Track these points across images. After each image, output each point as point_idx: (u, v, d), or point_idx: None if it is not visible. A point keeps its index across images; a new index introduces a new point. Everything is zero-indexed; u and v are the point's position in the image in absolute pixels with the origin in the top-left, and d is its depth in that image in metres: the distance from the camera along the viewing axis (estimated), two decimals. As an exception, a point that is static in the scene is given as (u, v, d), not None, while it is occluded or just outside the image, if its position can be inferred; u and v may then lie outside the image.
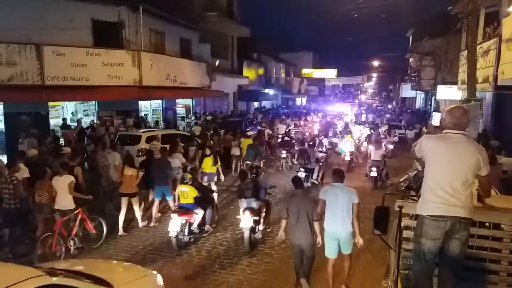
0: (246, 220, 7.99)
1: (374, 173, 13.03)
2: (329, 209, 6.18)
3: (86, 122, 17.12)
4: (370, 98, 78.70)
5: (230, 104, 30.79)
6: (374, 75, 66.50)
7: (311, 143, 15.01)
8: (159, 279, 5.24)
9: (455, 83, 19.56)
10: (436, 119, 21.65)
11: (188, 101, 24.95)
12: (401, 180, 12.24)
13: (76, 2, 15.78)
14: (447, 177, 3.61)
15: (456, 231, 3.59)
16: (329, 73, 55.73)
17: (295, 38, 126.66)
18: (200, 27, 23.92)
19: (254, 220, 8.13)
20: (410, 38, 38.83)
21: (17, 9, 14.25)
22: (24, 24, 14.05)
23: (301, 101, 57.77)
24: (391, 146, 18.11)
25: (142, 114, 20.43)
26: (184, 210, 8.30)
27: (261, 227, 8.60)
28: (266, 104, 41.93)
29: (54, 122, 16.59)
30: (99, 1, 16.75)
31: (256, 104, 38.43)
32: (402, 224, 4.05)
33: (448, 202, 3.60)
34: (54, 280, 4.19)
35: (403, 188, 10.72)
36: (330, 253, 6.30)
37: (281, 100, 48.07)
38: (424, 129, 20.06)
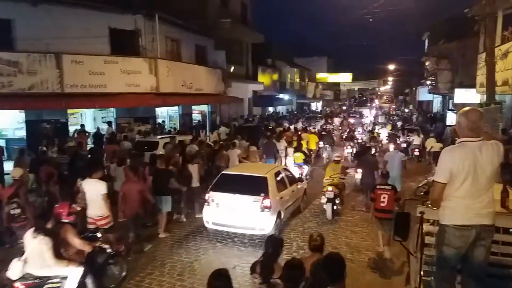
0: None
1: (417, 153, 19.01)
2: (389, 164, 11.37)
3: (103, 129, 17.33)
4: (386, 102, 78.06)
5: (245, 109, 30.89)
6: (390, 78, 65.96)
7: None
8: None
9: (473, 86, 19.27)
10: (451, 119, 24.07)
11: (204, 107, 25.11)
12: (419, 186, 12.09)
13: (93, 11, 16.08)
14: (470, 185, 3.52)
15: (482, 239, 3.52)
16: (344, 78, 55.58)
17: (310, 42, 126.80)
18: (215, 34, 24.09)
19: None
20: (426, 41, 38.41)
21: (37, 19, 14.59)
22: (43, 34, 14.37)
23: (316, 105, 57.60)
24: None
25: (159, 120, 20.62)
26: (298, 165, 13.83)
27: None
28: (281, 109, 41.93)
29: (73, 129, 16.84)
30: (116, 10, 17.05)
31: (271, 109, 38.48)
32: (423, 230, 4.01)
33: (472, 210, 3.52)
34: (284, 168, 10.83)
35: (422, 193, 10.60)
36: None
37: (296, 105, 47.98)
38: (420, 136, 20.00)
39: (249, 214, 8.49)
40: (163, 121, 21.06)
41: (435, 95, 39.18)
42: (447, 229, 3.62)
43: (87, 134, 15.49)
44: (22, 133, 15.53)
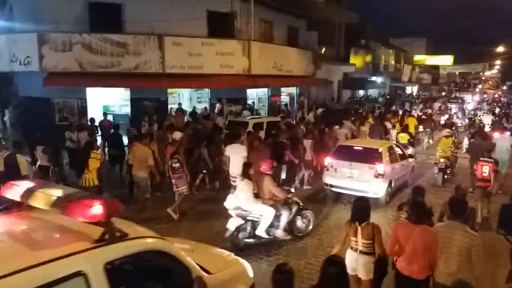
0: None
1: None
2: (497, 148, 11.27)
3: (199, 108, 18.25)
4: (491, 87, 71.43)
5: (334, 92, 30.36)
6: (497, 62, 60.00)
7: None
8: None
9: None
10: None
11: (292, 90, 25.15)
12: None
13: (194, -6, 16.76)
14: None
15: None
16: (444, 60, 51.60)
17: (407, 22, 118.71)
18: (308, 14, 23.81)
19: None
20: (545, 20, 34.28)
21: (143, 3, 15.69)
22: (148, 17, 15.40)
23: (411, 89, 54.58)
24: None
25: (249, 102, 21.14)
26: (403, 145, 13.25)
27: None
28: (373, 92, 40.46)
29: (170, 107, 17.91)
30: (215, -8, 17.62)
31: (361, 92, 37.32)
32: None
33: None
34: (396, 145, 12.17)
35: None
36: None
37: (389, 89, 45.94)
38: None
39: (364, 180, 9.80)
40: (253, 102, 21.54)
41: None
42: None
43: (184, 112, 16.46)
44: (127, 110, 16.95)
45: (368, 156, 10.13)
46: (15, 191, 3.49)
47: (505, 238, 4.06)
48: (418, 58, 50.40)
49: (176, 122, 14.06)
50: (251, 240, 7.39)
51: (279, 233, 7.50)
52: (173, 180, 8.91)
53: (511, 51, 50.43)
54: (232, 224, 7.26)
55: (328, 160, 10.55)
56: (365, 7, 62.31)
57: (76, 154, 10.43)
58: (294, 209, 7.84)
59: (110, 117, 15.38)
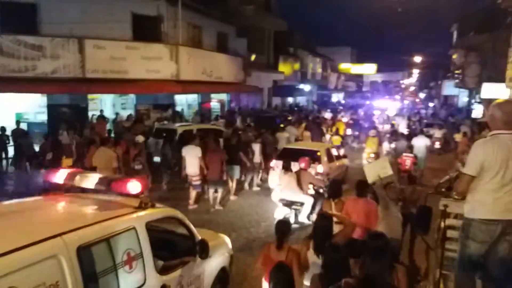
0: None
1: (437, 145, 19.15)
2: (415, 147, 13.03)
3: (123, 116, 17.38)
4: (410, 95, 76.68)
5: (265, 99, 30.67)
6: (415, 71, 64.55)
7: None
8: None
9: (502, 80, 18.62)
10: (478, 112, 24.89)
11: (223, 96, 25.00)
12: (441, 181, 11.80)
13: (117, -4, 16.02)
14: (501, 178, 3.38)
15: (507, 234, 3.44)
16: (368, 69, 54.62)
17: (334, 32, 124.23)
18: (237, 21, 23.84)
19: None
20: (454, 33, 37.32)
21: (60, 3, 14.66)
22: (67, 18, 14.43)
23: (337, 97, 56.84)
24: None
25: (178, 108, 20.61)
26: (336, 147, 14.33)
27: None
28: (301, 99, 41.45)
29: (92, 114, 16.86)
30: (139, -5, 16.96)
31: (290, 99, 38.08)
32: (445, 224, 3.90)
33: (501, 204, 3.42)
34: (332, 147, 13.76)
35: (443, 190, 10.38)
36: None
37: (316, 96, 47.41)
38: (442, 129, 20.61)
39: None
40: (182, 109, 21.03)
41: (461, 89, 38.21)
42: (473, 223, 3.54)
43: (106, 120, 15.60)
44: (43, 117, 15.72)
45: (309, 157, 11.04)
46: (59, 176, 4.26)
47: (422, 238, 4.15)
48: (344, 66, 52.85)
49: (97, 130, 13.26)
50: (295, 225, 8.50)
51: (314, 217, 8.40)
52: None
53: (426, 61, 54.40)
54: (278, 213, 8.58)
55: (274, 161, 11.45)
56: (293, 16, 64.16)
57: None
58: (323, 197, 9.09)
59: (24, 126, 14.16)
